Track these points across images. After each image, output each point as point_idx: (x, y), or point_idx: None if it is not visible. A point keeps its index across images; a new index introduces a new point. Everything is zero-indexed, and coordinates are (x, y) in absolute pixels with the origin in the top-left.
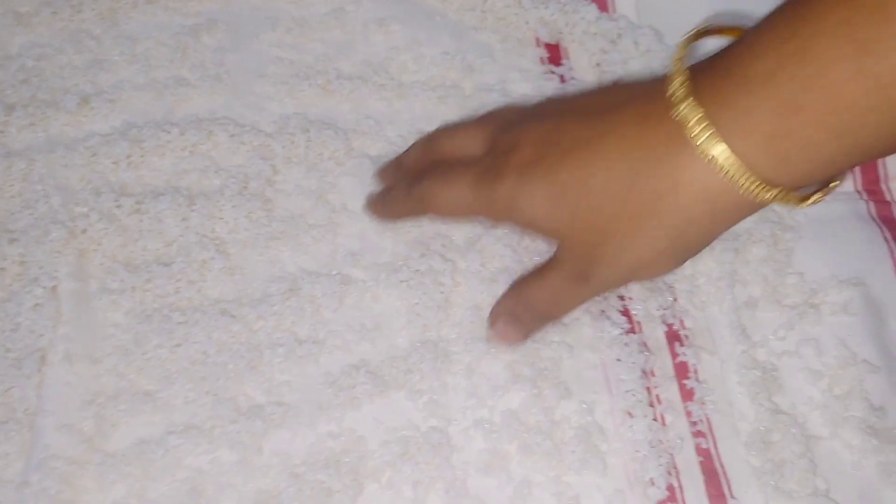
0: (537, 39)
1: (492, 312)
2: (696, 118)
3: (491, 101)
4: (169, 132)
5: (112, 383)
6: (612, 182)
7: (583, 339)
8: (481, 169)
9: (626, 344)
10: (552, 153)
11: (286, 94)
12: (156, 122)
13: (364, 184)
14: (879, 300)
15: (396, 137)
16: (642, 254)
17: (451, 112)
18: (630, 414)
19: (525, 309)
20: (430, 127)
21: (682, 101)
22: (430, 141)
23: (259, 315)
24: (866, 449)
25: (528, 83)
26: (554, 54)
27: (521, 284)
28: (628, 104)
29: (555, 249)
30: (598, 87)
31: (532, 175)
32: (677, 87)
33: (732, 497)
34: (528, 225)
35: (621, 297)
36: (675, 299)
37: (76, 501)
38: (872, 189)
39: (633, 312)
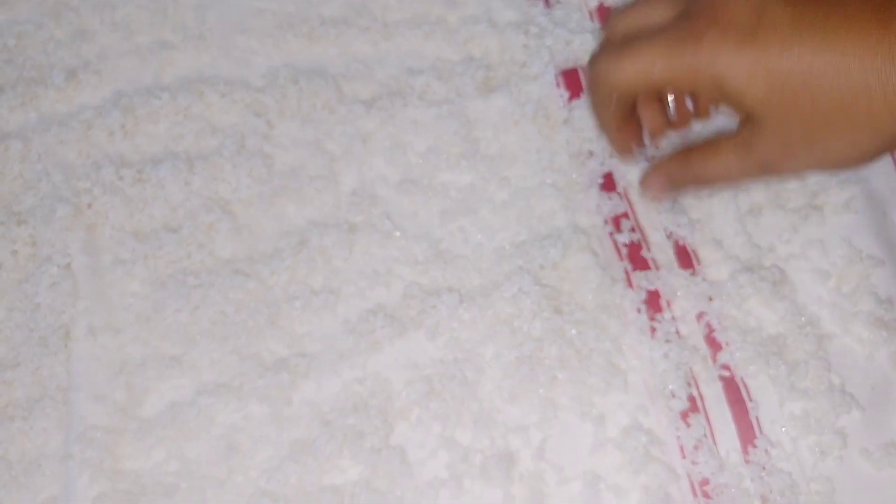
0: None
1: (651, 172)
2: None
3: (478, 31)
4: (160, 97)
5: (138, 351)
6: (844, 78)
7: (595, 262)
8: (676, 34)
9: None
10: (772, 31)
11: (272, 46)
12: (146, 89)
13: (358, 129)
14: (880, 194)
15: (387, 79)
16: (849, 154)
17: (439, 47)
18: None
19: (690, 179)
20: (420, 64)
21: None
22: (606, 27)
23: (272, 271)
24: (877, 341)
25: (513, 10)
26: None
27: (693, 157)
28: None
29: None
30: None
31: (745, 51)
32: None
33: (751, 400)
34: (727, 99)
35: (626, 216)
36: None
37: (119, 468)
38: None
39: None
